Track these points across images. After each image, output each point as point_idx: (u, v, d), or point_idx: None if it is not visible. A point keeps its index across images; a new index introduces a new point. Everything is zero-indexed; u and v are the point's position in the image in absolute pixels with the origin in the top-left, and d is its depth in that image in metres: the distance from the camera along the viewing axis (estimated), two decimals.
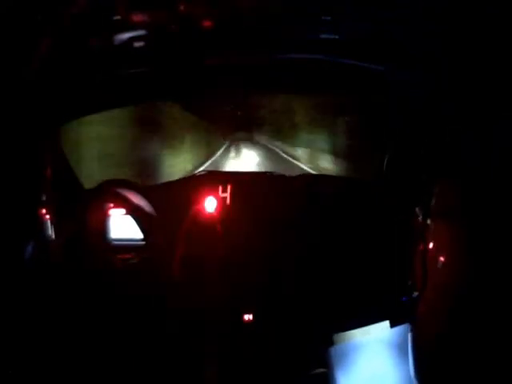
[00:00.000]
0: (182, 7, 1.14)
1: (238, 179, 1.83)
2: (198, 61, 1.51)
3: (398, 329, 1.53)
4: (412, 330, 1.51)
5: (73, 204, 1.68)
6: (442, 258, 1.37)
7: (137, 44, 1.31)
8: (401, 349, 1.52)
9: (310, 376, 1.55)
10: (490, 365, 1.16)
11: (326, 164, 10.26)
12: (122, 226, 1.77)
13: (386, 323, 1.53)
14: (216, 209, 1.72)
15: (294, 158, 13.60)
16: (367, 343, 1.52)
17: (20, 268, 1.37)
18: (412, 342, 1.50)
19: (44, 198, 1.51)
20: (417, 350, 1.49)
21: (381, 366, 1.52)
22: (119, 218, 1.76)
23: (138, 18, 1.20)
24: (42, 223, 1.51)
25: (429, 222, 1.46)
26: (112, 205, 1.73)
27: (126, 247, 1.74)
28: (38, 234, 1.49)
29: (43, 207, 1.51)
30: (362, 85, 1.63)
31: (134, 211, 1.67)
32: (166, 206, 1.71)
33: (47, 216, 1.52)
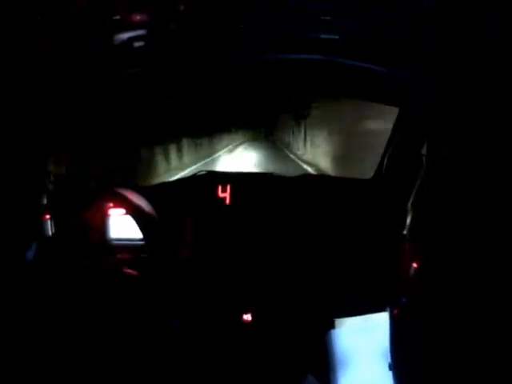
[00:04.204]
0: (182, 7, 1.14)
1: (238, 179, 1.82)
2: (197, 61, 1.51)
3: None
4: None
5: (73, 204, 1.68)
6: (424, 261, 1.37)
7: (137, 44, 1.31)
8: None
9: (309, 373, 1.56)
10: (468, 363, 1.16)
11: (326, 164, 10.28)
12: (122, 226, 1.77)
13: (384, 313, 1.53)
14: (216, 209, 1.72)
15: (294, 156, 13.66)
16: (365, 328, 1.51)
17: (22, 268, 1.38)
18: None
19: (46, 199, 1.51)
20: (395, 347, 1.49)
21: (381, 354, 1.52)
22: (119, 218, 1.76)
23: (137, 18, 1.20)
24: (44, 224, 1.51)
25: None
26: (112, 204, 1.73)
27: (126, 247, 1.74)
28: (40, 234, 1.50)
29: (45, 208, 1.51)
30: (362, 85, 1.63)
31: (134, 211, 1.67)
32: (166, 206, 1.71)
33: (48, 216, 1.52)
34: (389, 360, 1.47)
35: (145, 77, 1.55)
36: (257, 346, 1.57)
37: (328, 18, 1.24)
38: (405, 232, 1.46)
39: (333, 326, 1.50)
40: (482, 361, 1.10)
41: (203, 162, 12.28)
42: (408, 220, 1.43)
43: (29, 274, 1.41)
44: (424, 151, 1.60)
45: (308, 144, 12.89)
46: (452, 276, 1.20)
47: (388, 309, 1.49)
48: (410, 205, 1.42)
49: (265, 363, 1.55)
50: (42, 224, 1.52)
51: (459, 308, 1.18)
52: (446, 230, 1.26)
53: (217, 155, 14.90)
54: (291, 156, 14.01)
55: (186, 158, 12.01)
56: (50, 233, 1.55)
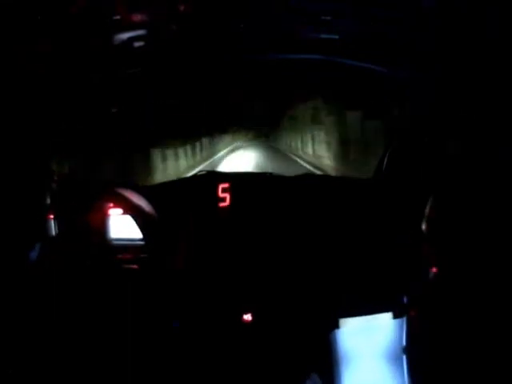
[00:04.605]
0: (181, 7, 1.14)
1: (238, 179, 1.82)
2: (197, 61, 1.51)
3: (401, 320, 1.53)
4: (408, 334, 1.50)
5: (74, 204, 1.68)
6: (436, 264, 1.37)
7: (137, 44, 1.31)
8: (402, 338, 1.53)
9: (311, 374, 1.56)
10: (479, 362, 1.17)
11: (326, 163, 10.26)
12: (122, 226, 1.77)
13: (389, 314, 1.53)
14: (216, 209, 1.72)
15: (294, 156, 13.63)
16: (369, 328, 1.52)
17: (25, 268, 1.38)
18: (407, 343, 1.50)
19: (49, 199, 1.52)
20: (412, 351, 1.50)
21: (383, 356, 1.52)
22: (118, 218, 1.76)
23: (137, 18, 1.20)
24: (47, 224, 1.52)
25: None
26: (112, 205, 1.73)
27: (126, 247, 1.74)
28: (44, 234, 1.50)
29: (49, 208, 1.51)
30: (362, 85, 1.63)
31: (134, 211, 1.67)
32: (166, 206, 1.71)
33: (51, 217, 1.52)
34: (403, 344, 1.48)
35: (145, 77, 1.55)
36: (258, 345, 1.57)
37: (328, 18, 1.24)
38: (422, 234, 1.46)
39: (337, 326, 1.50)
40: (496, 362, 1.11)
41: (204, 165, 12.23)
42: (425, 222, 1.44)
43: (32, 274, 1.41)
44: (424, 151, 1.60)
45: (308, 144, 12.87)
46: (469, 279, 1.20)
47: (405, 301, 1.49)
48: (427, 208, 1.42)
49: (266, 363, 1.54)
50: (45, 224, 1.53)
51: (477, 312, 1.18)
52: (459, 232, 1.26)
53: (217, 156, 14.85)
54: (291, 156, 13.94)
55: (187, 159, 12.02)
56: (54, 233, 1.55)
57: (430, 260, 1.40)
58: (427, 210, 1.41)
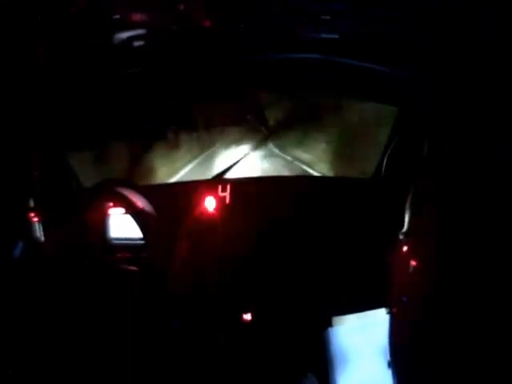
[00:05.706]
0: (181, 7, 1.14)
1: (237, 180, 1.82)
2: (197, 61, 1.51)
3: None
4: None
5: (71, 203, 1.68)
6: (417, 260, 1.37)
7: (136, 44, 1.31)
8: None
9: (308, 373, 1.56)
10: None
11: (325, 164, 10.23)
12: (122, 226, 1.76)
13: (383, 310, 1.53)
14: (216, 209, 1.72)
15: (292, 157, 13.56)
16: (364, 326, 1.52)
17: (11, 267, 1.38)
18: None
19: (32, 200, 1.52)
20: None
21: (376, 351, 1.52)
22: (118, 218, 1.75)
23: (137, 17, 1.20)
24: (31, 224, 1.51)
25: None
26: (111, 204, 1.73)
27: (126, 247, 1.74)
28: (27, 234, 1.50)
29: (31, 209, 1.51)
30: (361, 84, 1.63)
31: (134, 210, 1.67)
32: (166, 206, 1.71)
33: (36, 217, 1.52)
34: (388, 358, 1.48)
35: (145, 77, 1.55)
36: (258, 345, 1.57)
37: (328, 17, 1.24)
38: (403, 230, 1.46)
39: (333, 324, 1.50)
40: (481, 359, 1.11)
41: (201, 157, 12.09)
42: (406, 218, 1.44)
43: (16, 271, 1.41)
44: (424, 151, 1.60)
45: (307, 144, 12.82)
46: (451, 274, 1.20)
47: (387, 307, 1.49)
48: (408, 204, 1.42)
49: (267, 362, 1.55)
50: (28, 224, 1.52)
51: (459, 306, 1.18)
52: (444, 228, 1.26)
53: (215, 153, 14.73)
54: (288, 157, 13.81)
55: (186, 157, 11.99)
56: (38, 233, 1.54)
57: (410, 253, 1.40)
58: (407, 204, 1.41)
